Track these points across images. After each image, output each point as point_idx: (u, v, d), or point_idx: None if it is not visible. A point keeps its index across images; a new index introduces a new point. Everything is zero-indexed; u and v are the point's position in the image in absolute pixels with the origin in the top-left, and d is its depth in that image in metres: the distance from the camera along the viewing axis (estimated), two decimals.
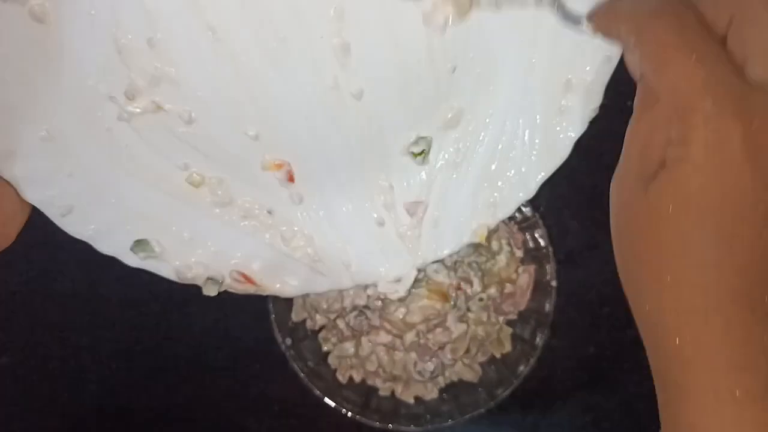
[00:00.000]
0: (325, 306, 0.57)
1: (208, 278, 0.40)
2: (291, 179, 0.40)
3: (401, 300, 0.54)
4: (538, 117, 0.39)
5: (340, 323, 0.58)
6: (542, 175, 0.40)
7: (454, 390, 0.60)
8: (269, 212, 0.41)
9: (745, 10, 0.27)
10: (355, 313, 0.57)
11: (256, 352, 0.62)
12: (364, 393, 0.59)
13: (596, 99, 0.37)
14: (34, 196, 0.37)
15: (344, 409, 0.57)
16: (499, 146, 0.40)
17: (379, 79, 0.37)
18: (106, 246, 0.39)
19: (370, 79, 0.37)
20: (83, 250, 0.59)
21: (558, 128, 0.38)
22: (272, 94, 0.37)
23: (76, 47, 0.35)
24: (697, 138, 0.26)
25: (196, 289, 0.61)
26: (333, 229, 0.42)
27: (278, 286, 0.41)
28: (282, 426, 0.63)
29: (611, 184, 0.30)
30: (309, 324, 0.60)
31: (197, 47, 0.35)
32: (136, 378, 0.63)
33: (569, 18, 0.34)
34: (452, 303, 0.56)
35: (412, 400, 0.60)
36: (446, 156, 0.41)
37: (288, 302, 0.59)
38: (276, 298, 0.58)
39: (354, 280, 0.42)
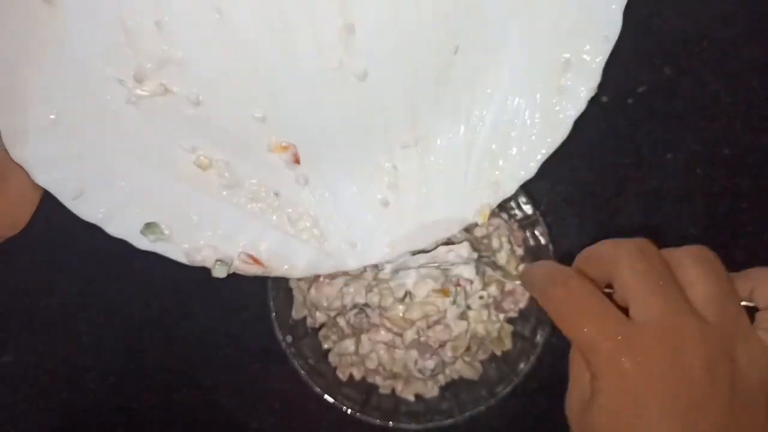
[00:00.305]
0: (325, 304, 0.57)
1: (217, 260, 0.40)
2: (297, 161, 0.40)
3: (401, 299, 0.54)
4: (538, 96, 0.39)
5: (341, 321, 0.57)
6: (543, 153, 0.40)
7: (454, 388, 0.60)
8: (276, 194, 0.41)
9: (617, 273, 0.34)
10: (355, 311, 0.57)
11: (257, 349, 0.62)
12: (365, 391, 0.59)
13: (595, 78, 0.38)
14: (44, 179, 0.37)
15: (344, 407, 0.57)
16: (500, 126, 0.40)
17: (383, 60, 0.38)
18: (115, 229, 0.39)
19: (374, 61, 0.38)
20: (84, 249, 0.59)
21: (557, 107, 0.39)
22: (278, 76, 0.38)
23: (83, 29, 0.35)
24: (604, 375, 0.32)
25: (196, 287, 0.62)
26: (338, 210, 0.42)
27: (286, 267, 0.41)
28: (282, 424, 0.62)
29: (565, 399, 0.36)
30: (309, 322, 0.60)
31: (204, 29, 0.36)
32: (136, 378, 0.63)
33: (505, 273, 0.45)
34: (452, 299, 0.56)
35: (412, 398, 0.60)
36: (449, 136, 0.41)
37: (288, 300, 0.60)
38: (276, 296, 0.58)
39: (359, 261, 0.42)
